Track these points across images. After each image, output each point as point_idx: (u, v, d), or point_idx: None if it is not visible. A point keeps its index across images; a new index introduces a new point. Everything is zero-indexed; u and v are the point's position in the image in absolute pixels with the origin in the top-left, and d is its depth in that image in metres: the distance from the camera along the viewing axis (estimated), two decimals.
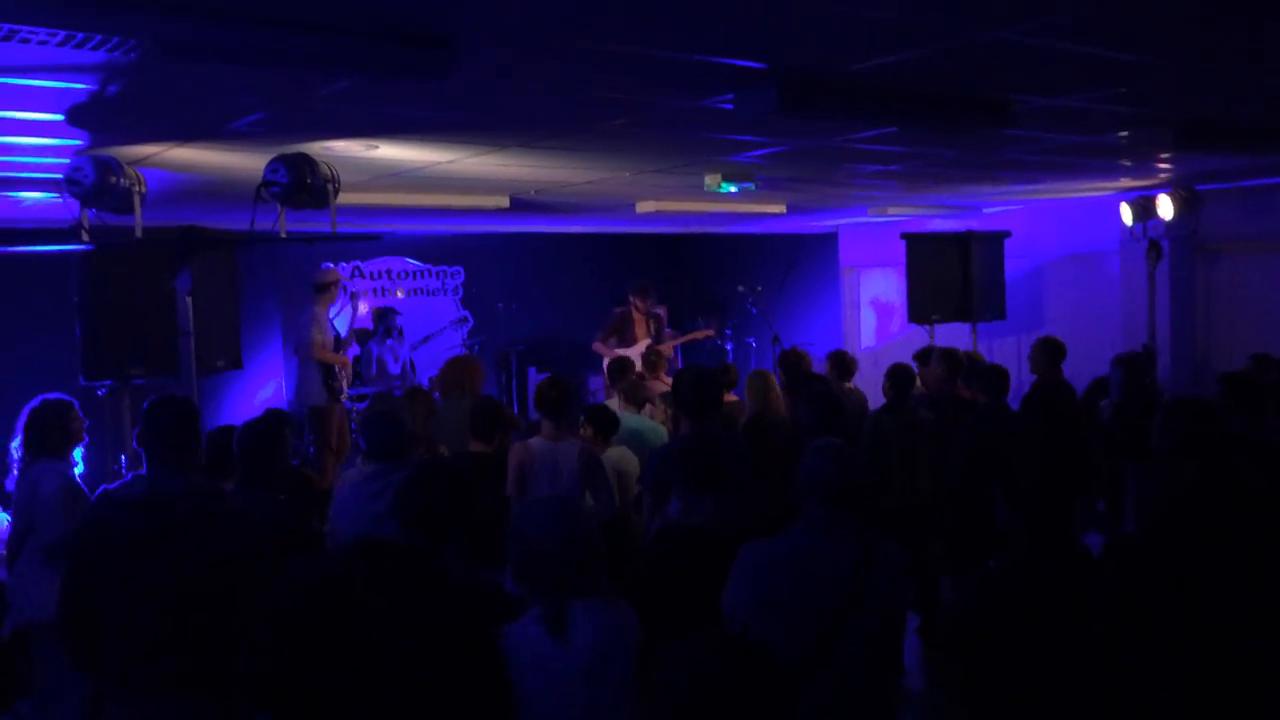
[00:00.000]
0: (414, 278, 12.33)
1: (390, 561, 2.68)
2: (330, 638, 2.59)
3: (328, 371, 8.72)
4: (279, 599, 2.67)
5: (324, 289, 8.97)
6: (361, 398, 9.50)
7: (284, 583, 2.70)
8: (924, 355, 7.79)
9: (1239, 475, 3.57)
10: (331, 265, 9.51)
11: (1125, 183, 8.96)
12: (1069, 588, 3.06)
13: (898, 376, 6.54)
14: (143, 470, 3.46)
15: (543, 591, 2.79)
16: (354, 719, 2.62)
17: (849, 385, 7.47)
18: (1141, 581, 3.27)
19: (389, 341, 10.16)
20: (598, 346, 10.00)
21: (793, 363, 7.47)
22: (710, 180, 7.04)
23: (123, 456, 6.13)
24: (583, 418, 6.07)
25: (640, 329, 9.98)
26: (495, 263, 12.51)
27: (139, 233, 5.07)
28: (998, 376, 6.46)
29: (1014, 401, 6.90)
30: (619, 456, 5.86)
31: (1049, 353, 7.29)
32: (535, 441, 5.18)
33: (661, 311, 10.83)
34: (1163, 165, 7.75)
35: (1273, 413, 5.49)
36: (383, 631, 2.57)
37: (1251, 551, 3.29)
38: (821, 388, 5.82)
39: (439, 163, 6.23)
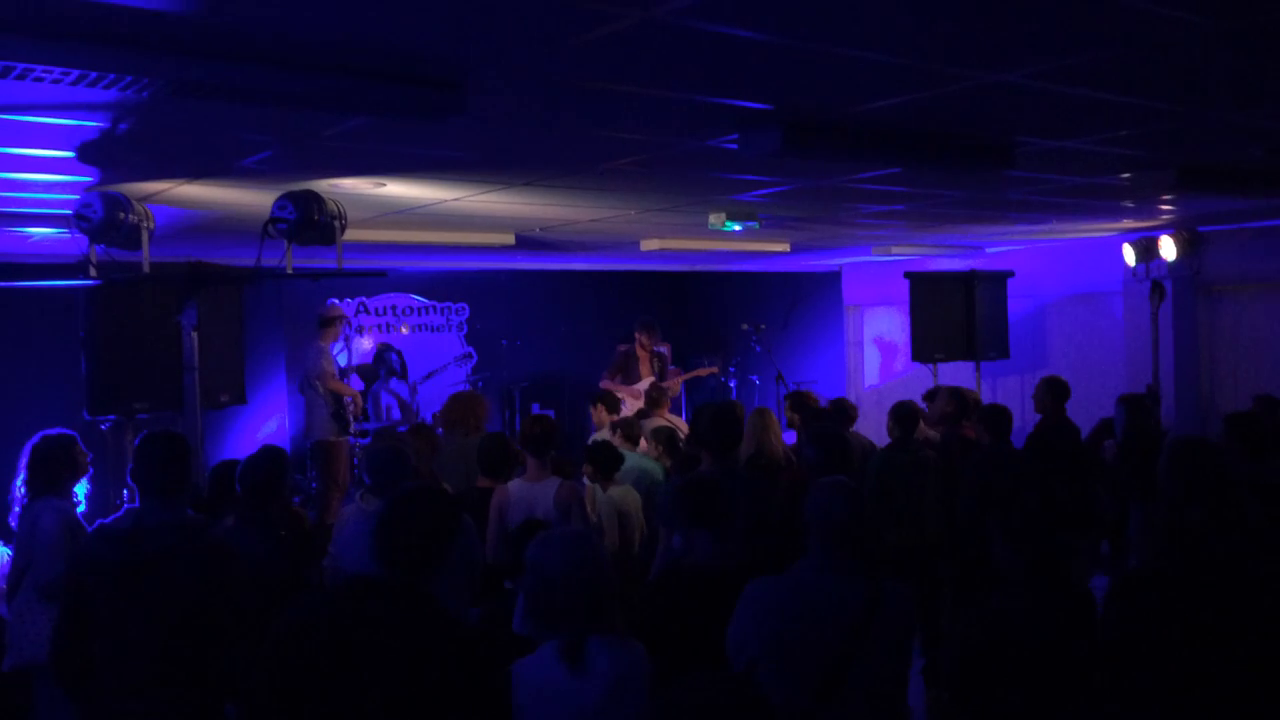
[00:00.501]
0: (419, 314, 12.36)
1: (383, 600, 2.64)
2: (322, 679, 2.55)
3: (337, 403, 8.77)
4: (271, 640, 2.63)
5: (328, 324, 9.04)
6: (364, 433, 9.50)
7: (276, 623, 2.65)
8: (931, 395, 7.78)
9: (1246, 517, 3.55)
10: (336, 301, 9.56)
11: (1128, 223, 8.99)
12: (1067, 629, 3.04)
13: (903, 415, 6.53)
14: (136, 505, 3.47)
15: (559, 625, 2.78)
16: None
17: (850, 432, 7.48)
18: (1146, 623, 3.25)
19: (392, 381, 10.17)
20: (605, 384, 10.05)
21: (805, 403, 7.47)
22: (715, 219, 7.07)
23: (125, 491, 6.12)
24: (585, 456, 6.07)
25: (644, 367, 10.04)
26: (500, 299, 12.55)
27: (146, 268, 5.10)
28: (1001, 416, 6.44)
29: (1017, 441, 6.89)
30: (620, 496, 5.83)
31: (1053, 392, 7.27)
32: (513, 484, 5.13)
33: (665, 349, 10.89)
34: (1165, 206, 7.78)
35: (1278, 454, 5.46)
36: (375, 672, 2.54)
37: (1259, 596, 3.27)
38: (828, 426, 5.81)
39: (445, 200, 6.27)
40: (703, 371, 11.46)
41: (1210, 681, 3.18)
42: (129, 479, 3.50)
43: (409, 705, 2.53)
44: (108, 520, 3.53)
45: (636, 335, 10.13)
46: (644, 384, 9.73)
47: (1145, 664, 3.21)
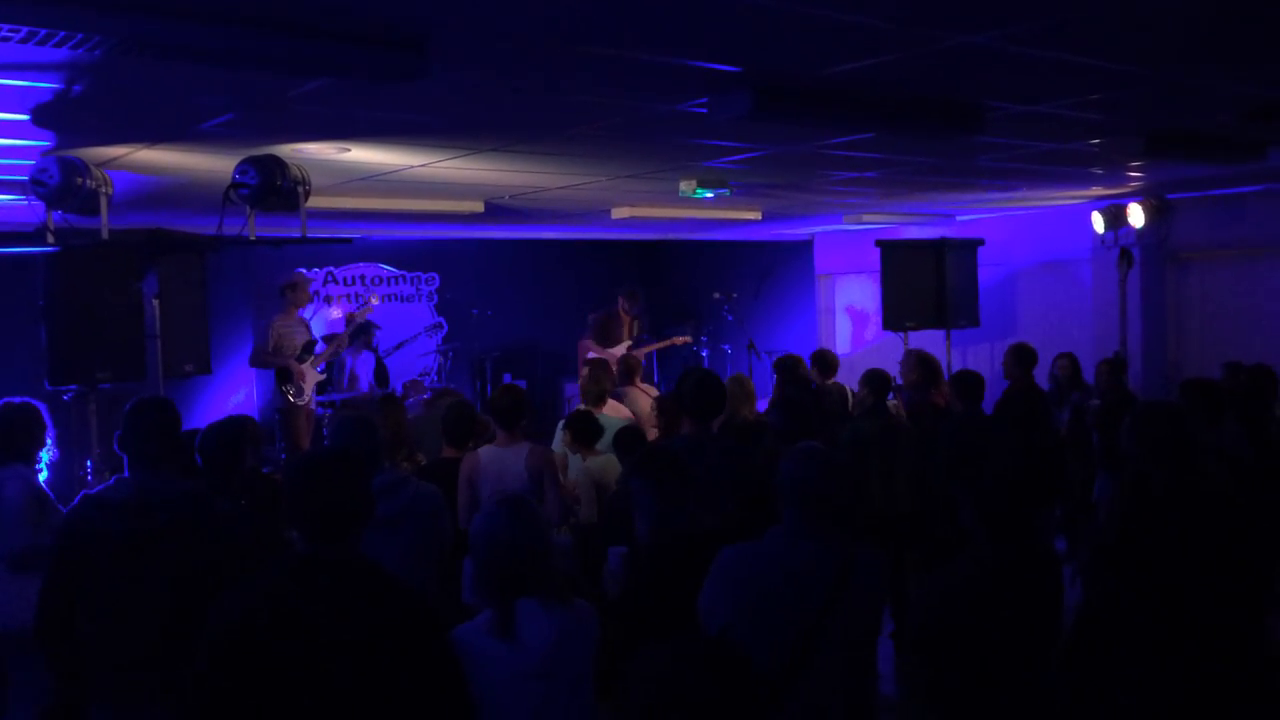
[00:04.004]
0: (388, 283, 12.25)
1: (325, 577, 2.59)
2: (272, 664, 2.50)
3: (282, 375, 8.82)
4: (215, 628, 2.57)
5: (283, 294, 9.01)
6: (330, 404, 9.42)
7: (218, 610, 2.59)
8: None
9: (1209, 480, 3.57)
10: (305, 270, 9.49)
11: (1097, 191, 9.02)
12: (1034, 591, 3.05)
13: (875, 382, 6.53)
14: (124, 473, 3.40)
15: (492, 593, 2.77)
16: None
17: (831, 382, 7.62)
18: (1110, 584, 3.27)
19: (364, 353, 10.07)
20: (587, 343, 10.11)
21: (789, 366, 7.54)
22: (685, 186, 7.03)
23: (88, 461, 6.03)
24: (562, 424, 6.02)
25: (625, 331, 10.09)
26: (470, 269, 12.45)
27: (105, 234, 5.00)
28: (973, 383, 6.46)
29: (988, 408, 6.93)
30: (600, 467, 5.79)
31: (1020, 359, 7.37)
32: (485, 450, 5.12)
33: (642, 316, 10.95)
34: (1133, 174, 7.81)
35: (1236, 419, 5.51)
36: (326, 651, 2.50)
37: (1219, 556, 3.30)
38: (793, 392, 5.81)
39: (412, 166, 6.19)
40: (677, 340, 11.40)
41: (1171, 643, 3.21)
42: (116, 448, 3.41)
43: (364, 681, 2.49)
44: (94, 490, 3.45)
45: (620, 300, 10.22)
46: (622, 347, 9.78)
47: (1108, 628, 3.24)
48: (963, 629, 2.99)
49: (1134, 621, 3.26)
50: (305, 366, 9.01)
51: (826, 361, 7.73)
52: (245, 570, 3.05)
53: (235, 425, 4.26)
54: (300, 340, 9.05)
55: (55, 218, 5.07)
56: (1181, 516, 3.36)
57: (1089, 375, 8.09)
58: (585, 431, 5.87)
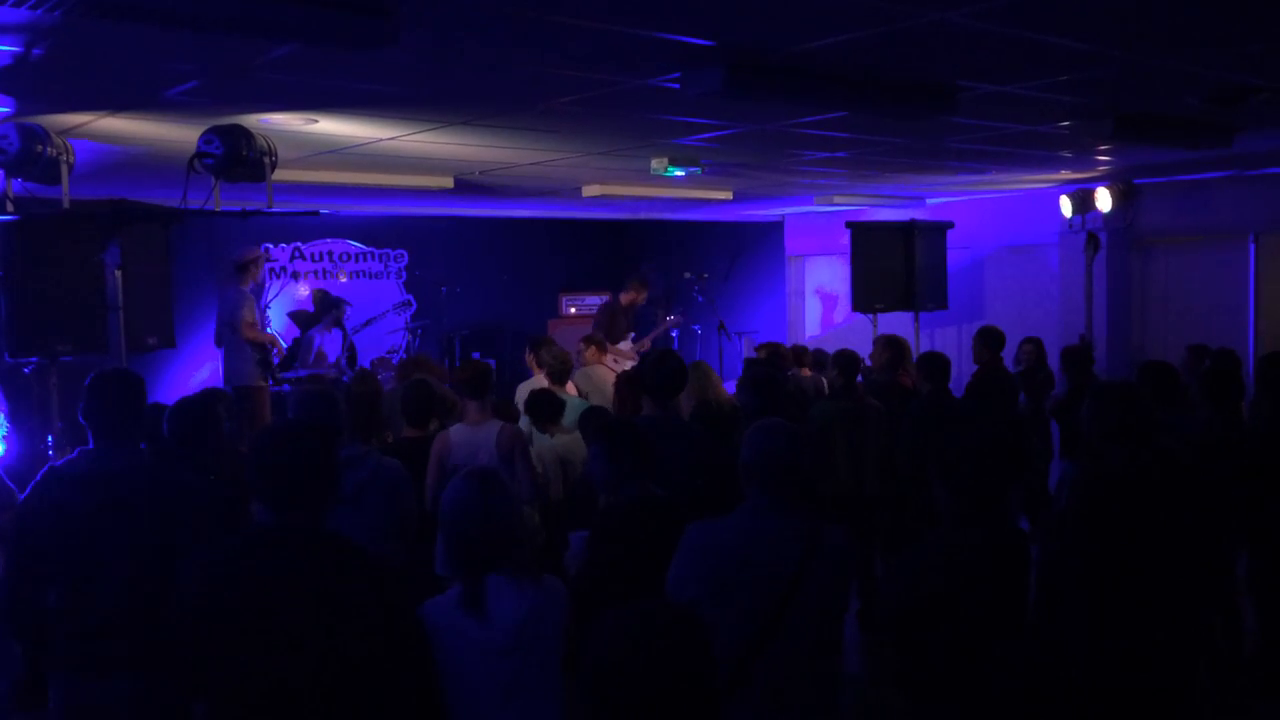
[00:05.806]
0: (357, 260, 12.15)
1: (292, 546, 2.57)
2: (236, 632, 2.48)
3: (263, 350, 8.56)
4: (183, 599, 2.55)
5: (244, 268, 8.75)
6: (297, 380, 9.32)
7: (182, 579, 2.57)
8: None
9: (1167, 459, 3.61)
10: (254, 246, 9.21)
11: (1065, 175, 9.09)
12: (1002, 567, 3.08)
13: (844, 364, 6.54)
14: (88, 445, 3.36)
15: (462, 568, 2.75)
16: (283, 703, 2.53)
17: (807, 374, 7.70)
18: (1071, 561, 3.31)
19: (334, 330, 9.95)
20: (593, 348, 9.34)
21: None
22: (657, 164, 7.00)
23: (49, 436, 5.94)
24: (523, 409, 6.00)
25: (626, 324, 9.42)
26: (440, 246, 12.37)
27: (66, 204, 4.91)
28: (939, 364, 6.49)
29: (956, 390, 6.97)
30: (566, 444, 5.78)
31: (988, 341, 7.43)
32: (455, 429, 5.08)
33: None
34: (1102, 158, 7.87)
35: (1201, 400, 5.57)
36: (289, 620, 2.48)
37: (1174, 534, 3.34)
38: (761, 370, 5.80)
39: (380, 139, 6.12)
40: (670, 322, 11.05)
41: (1131, 617, 3.25)
42: (81, 419, 3.38)
43: (328, 652, 2.48)
44: (58, 464, 3.42)
45: (625, 290, 9.50)
46: (626, 343, 9.30)
47: (1069, 602, 3.27)
48: (931, 607, 3.01)
49: (1088, 594, 3.29)
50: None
51: (785, 358, 7.80)
52: (206, 543, 3.03)
53: (206, 400, 4.22)
54: (258, 319, 8.86)
55: (15, 186, 4.98)
56: (1138, 493, 3.40)
57: (1055, 359, 8.15)
58: (547, 409, 5.86)
